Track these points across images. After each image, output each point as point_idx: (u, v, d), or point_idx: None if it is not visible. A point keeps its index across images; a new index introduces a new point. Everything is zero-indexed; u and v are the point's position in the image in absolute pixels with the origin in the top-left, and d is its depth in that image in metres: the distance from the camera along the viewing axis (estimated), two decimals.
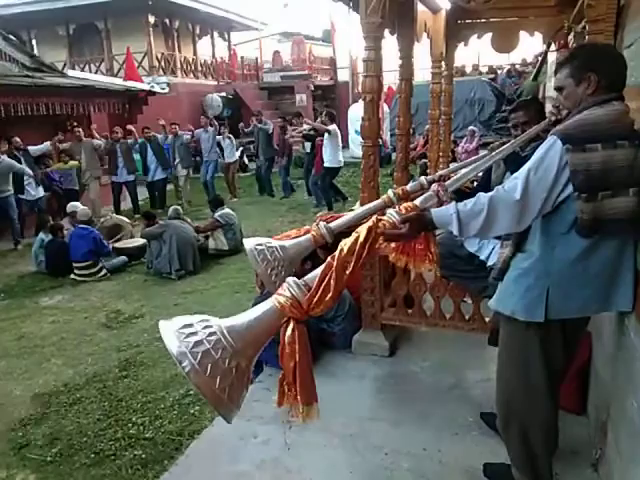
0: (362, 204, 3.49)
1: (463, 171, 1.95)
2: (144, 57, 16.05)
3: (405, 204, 1.79)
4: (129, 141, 9.98)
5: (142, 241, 7.05)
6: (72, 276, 6.52)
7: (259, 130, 11.01)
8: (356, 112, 12.80)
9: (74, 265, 6.51)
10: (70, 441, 3.17)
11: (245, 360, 1.41)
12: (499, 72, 17.13)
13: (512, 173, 2.24)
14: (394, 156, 9.72)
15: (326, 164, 9.13)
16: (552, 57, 7.30)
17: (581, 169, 1.64)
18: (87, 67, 16.79)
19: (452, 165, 6.79)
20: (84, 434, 3.23)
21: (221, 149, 11.08)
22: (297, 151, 12.25)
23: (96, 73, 15.67)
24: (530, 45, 11.22)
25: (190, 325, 1.38)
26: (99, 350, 4.45)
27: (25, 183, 8.30)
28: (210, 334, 1.37)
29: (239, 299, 5.31)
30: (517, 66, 16.56)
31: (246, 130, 11.68)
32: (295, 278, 1.54)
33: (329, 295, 1.50)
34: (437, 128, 5.44)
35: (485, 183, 2.80)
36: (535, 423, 1.99)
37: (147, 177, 10.42)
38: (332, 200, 9.42)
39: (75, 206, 7.37)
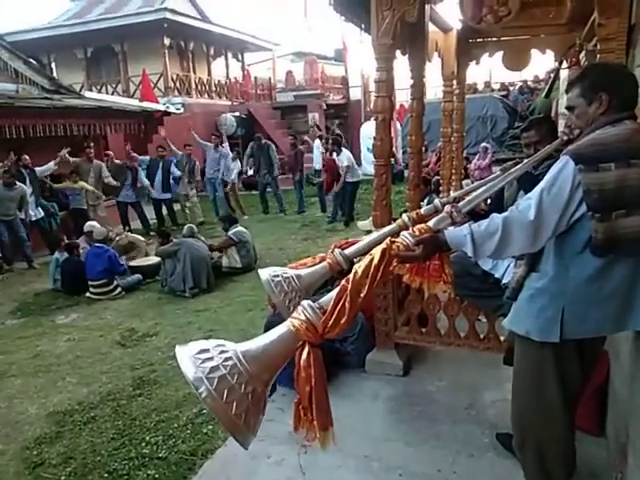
0: (374, 223, 3.50)
1: (476, 192, 1.94)
2: (160, 78, 16.34)
3: (418, 226, 1.79)
4: (141, 161, 10.29)
5: (156, 259, 7.10)
6: (87, 294, 6.57)
7: (263, 151, 11.09)
8: (368, 130, 12.88)
9: (89, 283, 6.57)
10: (84, 460, 3.17)
11: (261, 385, 1.40)
12: (511, 89, 17.13)
13: (526, 192, 2.23)
14: (406, 173, 9.77)
15: (349, 179, 9.51)
16: (564, 74, 7.31)
17: (594, 189, 1.64)
18: (104, 89, 17.12)
19: (464, 182, 6.80)
20: (98, 453, 3.23)
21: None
22: (308, 169, 12.35)
23: (113, 94, 15.99)
24: (542, 61, 11.25)
25: (206, 350, 1.38)
26: (113, 368, 4.47)
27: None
28: (226, 359, 1.37)
29: (252, 317, 5.31)
30: (529, 82, 16.55)
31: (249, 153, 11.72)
32: (310, 301, 1.53)
33: (344, 318, 1.49)
34: (449, 146, 5.46)
35: (498, 202, 2.79)
36: (551, 444, 1.95)
37: (154, 193, 10.44)
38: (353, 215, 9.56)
39: (92, 225, 7.46)
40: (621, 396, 2.29)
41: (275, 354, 1.46)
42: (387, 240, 1.69)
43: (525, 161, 2.22)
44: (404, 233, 1.74)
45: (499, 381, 3.16)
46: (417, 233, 1.74)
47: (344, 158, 9.50)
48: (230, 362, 1.36)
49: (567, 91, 1.91)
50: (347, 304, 1.50)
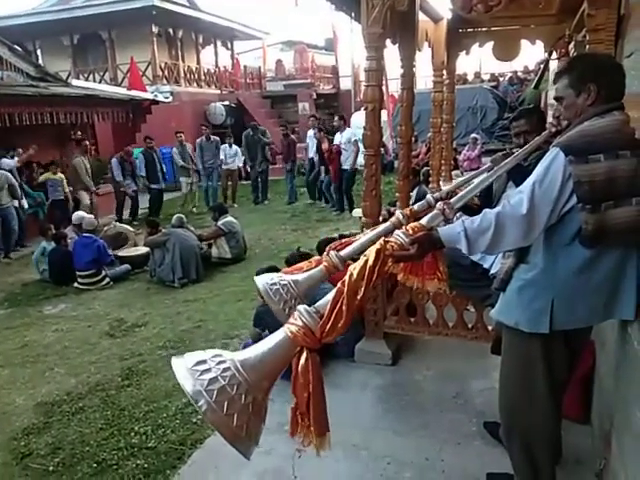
0: (364, 213, 3.50)
1: (468, 188, 1.93)
2: (148, 66, 16.13)
3: (412, 224, 1.77)
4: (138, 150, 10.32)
5: (145, 249, 7.06)
6: (75, 285, 6.52)
7: (259, 138, 11.09)
8: (358, 120, 12.85)
9: (77, 274, 6.53)
10: (73, 450, 3.16)
11: (261, 393, 1.39)
12: (501, 79, 17.18)
13: (515, 183, 2.23)
14: (396, 164, 9.74)
15: (344, 166, 9.50)
16: (554, 65, 7.33)
17: (585, 180, 1.64)
18: (91, 77, 16.84)
19: (454, 173, 6.81)
20: (86, 443, 3.22)
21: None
22: (300, 159, 12.30)
23: (100, 82, 15.75)
24: (532, 52, 11.28)
25: (203, 361, 1.35)
26: (102, 359, 4.45)
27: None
28: (224, 370, 1.34)
29: (242, 307, 5.30)
30: (519, 73, 16.59)
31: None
32: (306, 306, 1.51)
33: (341, 322, 1.47)
34: (439, 136, 5.47)
35: (487, 194, 2.80)
36: (538, 432, 1.98)
37: (156, 185, 10.43)
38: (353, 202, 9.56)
39: (81, 217, 7.38)
40: (606, 385, 2.32)
41: (273, 361, 1.45)
42: (381, 240, 1.67)
43: (515, 154, 2.22)
44: (397, 232, 1.72)
45: (486, 370, 3.19)
46: (410, 232, 1.72)
47: (348, 134, 9.49)
48: (229, 372, 1.34)
49: (555, 82, 1.91)
50: (344, 307, 1.48)
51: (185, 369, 1.33)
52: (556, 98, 1.90)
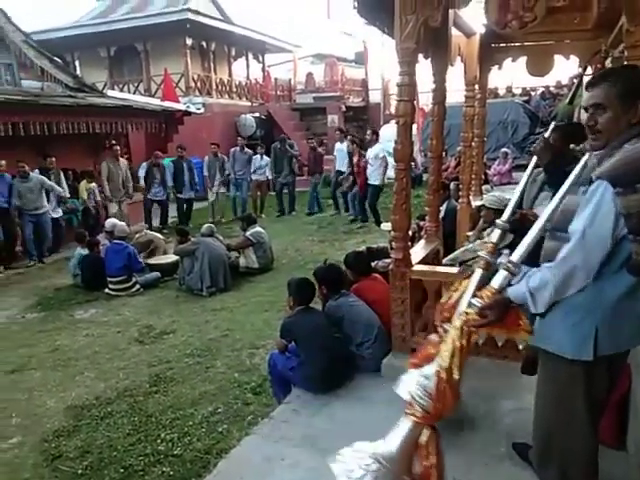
0: (394, 227, 3.49)
1: (527, 239, 1.91)
2: (181, 78, 16.47)
3: (484, 291, 1.89)
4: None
5: (175, 257, 7.16)
6: (106, 290, 6.66)
7: (285, 152, 11.23)
8: (387, 133, 12.85)
9: (108, 280, 6.66)
10: (100, 455, 3.21)
11: (402, 474, 1.82)
12: (533, 94, 16.97)
13: (552, 187, 2.17)
14: (425, 177, 9.68)
15: (375, 182, 9.45)
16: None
17: (634, 211, 1.57)
18: (126, 87, 17.30)
19: (484, 187, 6.72)
20: (114, 448, 3.27)
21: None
22: (326, 171, 12.36)
23: (134, 93, 16.15)
24: (565, 67, 11.11)
25: (354, 464, 1.83)
26: (131, 365, 4.52)
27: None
28: (370, 464, 1.80)
29: (268, 318, 5.33)
30: (551, 88, 16.36)
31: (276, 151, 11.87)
32: (416, 388, 1.82)
33: (450, 400, 1.80)
34: (470, 150, 5.43)
35: (519, 202, 2.74)
36: (576, 457, 1.92)
37: (182, 194, 10.65)
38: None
39: (114, 224, 7.55)
40: None
41: (407, 448, 1.84)
42: (462, 316, 1.85)
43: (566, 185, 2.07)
44: (473, 301, 1.88)
45: (516, 390, 3.12)
46: (485, 298, 1.85)
47: (376, 150, 9.48)
48: (375, 466, 1.79)
49: (595, 84, 1.76)
50: (447, 387, 1.78)
51: (343, 473, 1.79)
52: (596, 104, 1.74)
